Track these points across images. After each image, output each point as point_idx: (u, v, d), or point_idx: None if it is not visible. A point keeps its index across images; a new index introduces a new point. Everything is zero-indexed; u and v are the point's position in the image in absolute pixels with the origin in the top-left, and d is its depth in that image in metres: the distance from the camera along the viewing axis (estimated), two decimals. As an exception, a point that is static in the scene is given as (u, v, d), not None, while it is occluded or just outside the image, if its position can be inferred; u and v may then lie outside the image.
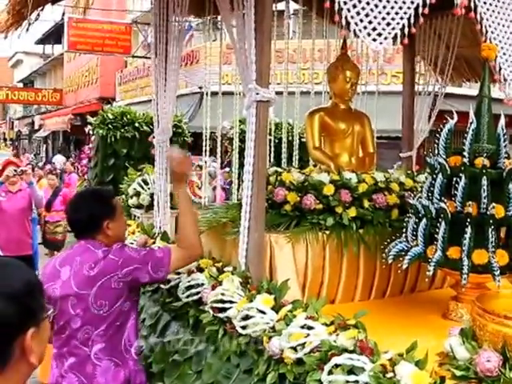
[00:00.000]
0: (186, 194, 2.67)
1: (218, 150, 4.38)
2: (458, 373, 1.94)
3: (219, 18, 4.11)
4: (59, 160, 21.08)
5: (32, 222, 5.93)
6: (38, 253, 6.24)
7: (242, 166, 3.15)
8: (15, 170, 5.64)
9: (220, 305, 2.58)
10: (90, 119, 7.07)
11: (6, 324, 0.98)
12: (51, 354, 2.39)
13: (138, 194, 4.99)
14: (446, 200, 2.80)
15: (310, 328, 2.19)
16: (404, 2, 2.59)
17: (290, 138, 4.78)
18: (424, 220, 2.87)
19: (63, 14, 18.94)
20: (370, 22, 2.58)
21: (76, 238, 2.48)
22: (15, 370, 1.00)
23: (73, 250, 2.43)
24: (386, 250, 2.99)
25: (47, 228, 7.73)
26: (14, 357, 1.00)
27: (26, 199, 5.75)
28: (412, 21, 2.57)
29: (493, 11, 2.71)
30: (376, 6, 2.58)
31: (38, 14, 3.21)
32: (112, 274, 2.30)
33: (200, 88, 13.06)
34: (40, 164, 20.18)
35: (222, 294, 2.59)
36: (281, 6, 4.54)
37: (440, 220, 2.77)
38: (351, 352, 2.00)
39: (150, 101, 4.14)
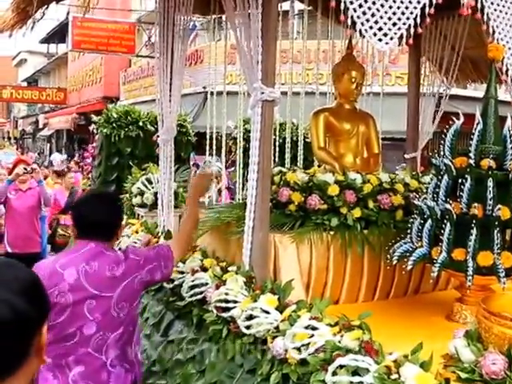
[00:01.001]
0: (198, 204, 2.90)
1: (223, 149, 4.38)
2: (463, 375, 1.93)
3: (224, 17, 4.11)
4: (57, 158, 21.05)
5: (41, 220, 5.95)
6: (47, 251, 6.26)
7: (246, 165, 3.15)
8: (25, 169, 5.66)
9: (224, 304, 2.57)
10: (95, 118, 7.08)
11: (28, 320, 0.95)
12: None
13: (141, 193, 4.99)
14: (451, 201, 2.79)
15: (314, 328, 2.19)
16: (410, 2, 2.58)
17: (295, 138, 4.78)
18: (429, 221, 2.86)
19: (67, 13, 18.99)
20: (376, 22, 2.58)
21: (82, 239, 2.32)
22: (26, 369, 0.97)
23: (79, 253, 2.27)
24: (391, 251, 2.98)
25: (60, 230, 7.63)
26: (30, 355, 0.96)
27: (35, 197, 5.78)
28: (418, 21, 2.56)
29: (500, 11, 2.70)
30: (382, 5, 2.57)
31: (43, 13, 3.21)
32: (136, 274, 2.30)
33: (204, 88, 13.06)
34: (45, 163, 20.19)
35: (226, 294, 2.59)
36: (285, 5, 4.53)
37: (445, 221, 2.76)
38: (356, 353, 2.00)
39: (154, 100, 4.14)
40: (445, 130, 2.93)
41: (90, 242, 2.29)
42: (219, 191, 5.43)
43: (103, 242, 2.32)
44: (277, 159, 4.55)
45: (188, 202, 2.95)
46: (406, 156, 4.72)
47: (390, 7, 2.57)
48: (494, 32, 2.72)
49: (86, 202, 2.46)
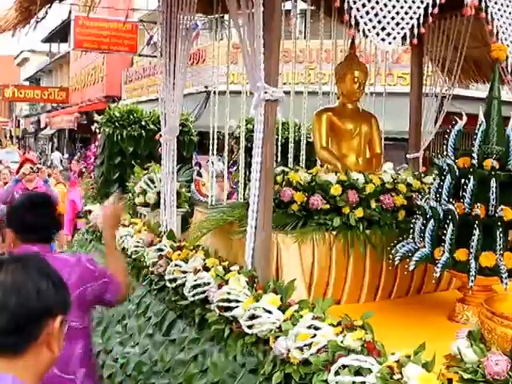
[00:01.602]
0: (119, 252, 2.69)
1: (226, 149, 4.37)
2: (466, 376, 1.92)
3: (226, 16, 4.11)
4: (57, 157, 21.08)
5: None
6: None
7: (248, 165, 3.15)
8: (31, 168, 5.68)
9: (226, 304, 2.57)
10: (97, 117, 7.07)
11: (43, 301, 1.07)
12: None
13: (144, 193, 4.98)
14: (453, 202, 2.79)
15: (316, 328, 2.18)
16: (413, 2, 2.58)
17: (297, 138, 4.77)
18: (432, 221, 2.85)
19: (70, 13, 18.99)
20: (379, 22, 2.58)
21: (23, 243, 2.19)
22: (36, 355, 1.05)
23: None
24: (393, 251, 2.98)
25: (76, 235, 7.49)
26: (39, 339, 1.05)
27: None
28: (421, 21, 2.56)
29: (504, 11, 2.69)
30: (385, 5, 2.58)
31: (46, 12, 3.21)
32: (89, 284, 2.17)
33: (206, 87, 13.07)
34: (48, 163, 20.22)
35: (229, 293, 2.58)
36: (288, 5, 4.53)
37: (448, 222, 2.76)
38: (358, 353, 2.00)
39: (156, 100, 4.14)
40: (447, 130, 2.93)
41: (33, 246, 2.16)
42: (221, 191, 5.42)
43: (44, 245, 2.20)
44: (279, 159, 4.55)
45: (106, 246, 2.51)
46: (409, 156, 4.71)
47: (393, 7, 2.57)
48: (497, 32, 2.71)
49: (24, 205, 2.30)
